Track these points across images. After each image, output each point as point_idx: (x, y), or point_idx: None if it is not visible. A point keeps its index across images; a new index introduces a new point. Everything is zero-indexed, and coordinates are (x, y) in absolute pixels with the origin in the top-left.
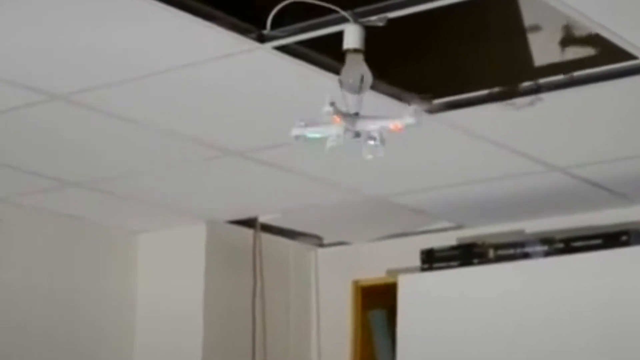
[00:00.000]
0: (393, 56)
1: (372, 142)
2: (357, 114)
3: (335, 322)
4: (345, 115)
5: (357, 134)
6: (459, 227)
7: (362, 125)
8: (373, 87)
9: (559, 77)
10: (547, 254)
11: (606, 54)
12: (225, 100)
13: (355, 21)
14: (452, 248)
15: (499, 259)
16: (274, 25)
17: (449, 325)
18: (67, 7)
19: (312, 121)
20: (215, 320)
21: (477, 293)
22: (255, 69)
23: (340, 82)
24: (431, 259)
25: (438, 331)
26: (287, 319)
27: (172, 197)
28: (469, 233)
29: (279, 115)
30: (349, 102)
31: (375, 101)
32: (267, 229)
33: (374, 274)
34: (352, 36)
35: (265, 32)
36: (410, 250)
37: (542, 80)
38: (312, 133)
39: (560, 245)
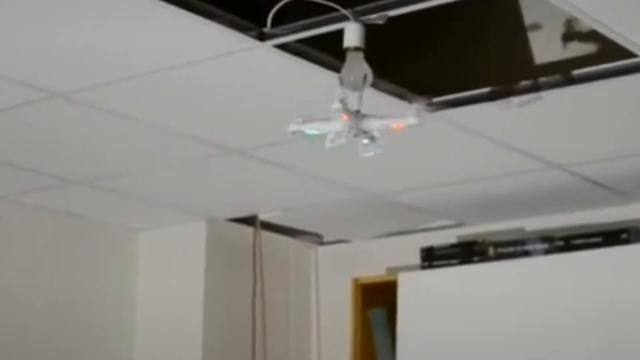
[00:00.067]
0: (393, 54)
1: (366, 141)
2: (358, 112)
3: (336, 320)
4: (351, 114)
5: (358, 133)
6: (459, 225)
7: (367, 124)
8: (373, 85)
9: (559, 75)
10: (547, 251)
11: (606, 51)
12: (226, 99)
13: (356, 19)
14: (452, 246)
15: (499, 256)
16: (274, 23)
17: (449, 323)
18: (67, 5)
19: (310, 117)
20: (216, 317)
21: (477, 291)
22: (256, 67)
23: (341, 80)
24: (431, 257)
25: (438, 329)
26: (287, 316)
27: (172, 195)
28: (469, 231)
29: (279, 113)
30: (350, 100)
31: (375, 99)
32: (267, 227)
33: (374, 272)
34: (352, 34)
35: (266, 30)
36: (410, 248)
37: (542, 78)
38: (311, 129)
39: (561, 243)
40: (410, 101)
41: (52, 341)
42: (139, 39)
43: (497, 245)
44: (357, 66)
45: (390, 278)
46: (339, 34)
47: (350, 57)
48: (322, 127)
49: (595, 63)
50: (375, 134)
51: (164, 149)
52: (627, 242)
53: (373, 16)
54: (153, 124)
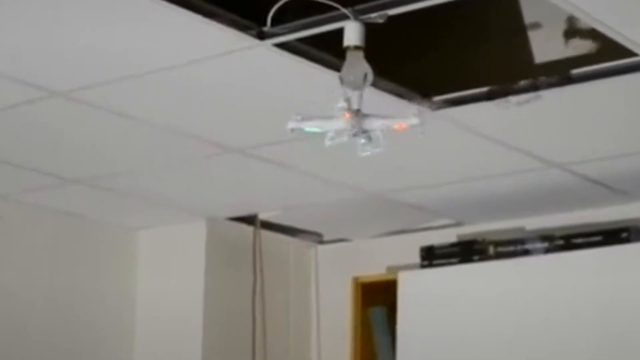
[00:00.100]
0: (393, 53)
1: (363, 140)
2: (359, 111)
3: (336, 319)
4: (355, 113)
5: (359, 132)
6: (459, 224)
7: (368, 124)
8: (372, 84)
9: (559, 75)
10: (547, 250)
11: (606, 50)
12: (225, 98)
13: (356, 18)
14: (452, 245)
15: (499, 255)
16: (274, 22)
17: (449, 322)
18: (68, 4)
19: (310, 115)
20: (216, 316)
21: (477, 290)
22: (255, 66)
23: (341, 79)
24: (431, 256)
25: (438, 328)
26: (287, 315)
27: (172, 194)
28: (469, 230)
29: (279, 113)
30: (350, 99)
31: (375, 98)
32: (267, 226)
33: (374, 271)
34: (352, 33)
35: (266, 29)
36: (410, 247)
37: (541, 78)
38: (310, 127)
39: (561, 242)
40: (410, 100)
41: (52, 341)
42: (139, 38)
43: (497, 244)
44: (357, 65)
45: (390, 277)
46: (339, 32)
47: (350, 56)
48: (321, 125)
49: (594, 62)
50: (376, 133)
51: (164, 148)
52: (627, 241)
53: (373, 15)
54: (153, 123)
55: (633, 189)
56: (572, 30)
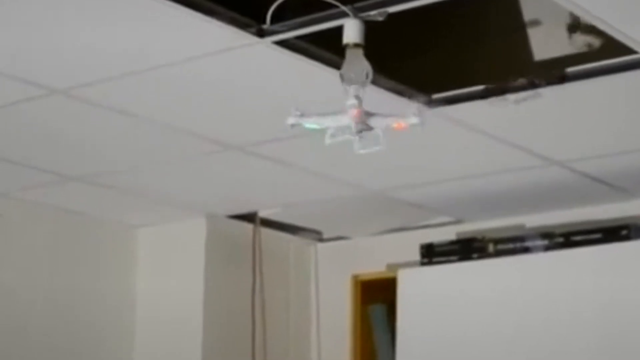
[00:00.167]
0: (393, 51)
1: (362, 139)
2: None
3: (335, 317)
4: (362, 111)
5: (362, 130)
6: (458, 221)
7: (372, 122)
8: (372, 82)
9: (558, 72)
10: (547, 248)
11: (605, 48)
12: (225, 95)
13: (355, 16)
14: (452, 242)
15: (498, 253)
16: (274, 20)
17: (449, 319)
18: (67, 2)
19: (309, 112)
20: (215, 313)
21: (477, 288)
22: (255, 64)
23: (342, 77)
24: (431, 254)
25: (438, 325)
26: (287, 313)
27: (172, 192)
28: (469, 227)
29: (279, 110)
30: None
31: (374, 95)
32: (267, 223)
33: (374, 269)
34: (352, 31)
35: (265, 26)
36: (410, 245)
37: (541, 75)
38: (310, 123)
39: (560, 240)
40: (409, 98)
41: (52, 341)
42: (139, 35)
43: (496, 241)
44: (357, 63)
45: (390, 274)
46: (339, 30)
47: (349, 53)
48: (321, 122)
49: (594, 60)
50: (377, 131)
51: (163, 145)
52: (627, 238)
53: (372, 13)
54: (153, 120)
55: (633, 186)
56: (572, 28)
